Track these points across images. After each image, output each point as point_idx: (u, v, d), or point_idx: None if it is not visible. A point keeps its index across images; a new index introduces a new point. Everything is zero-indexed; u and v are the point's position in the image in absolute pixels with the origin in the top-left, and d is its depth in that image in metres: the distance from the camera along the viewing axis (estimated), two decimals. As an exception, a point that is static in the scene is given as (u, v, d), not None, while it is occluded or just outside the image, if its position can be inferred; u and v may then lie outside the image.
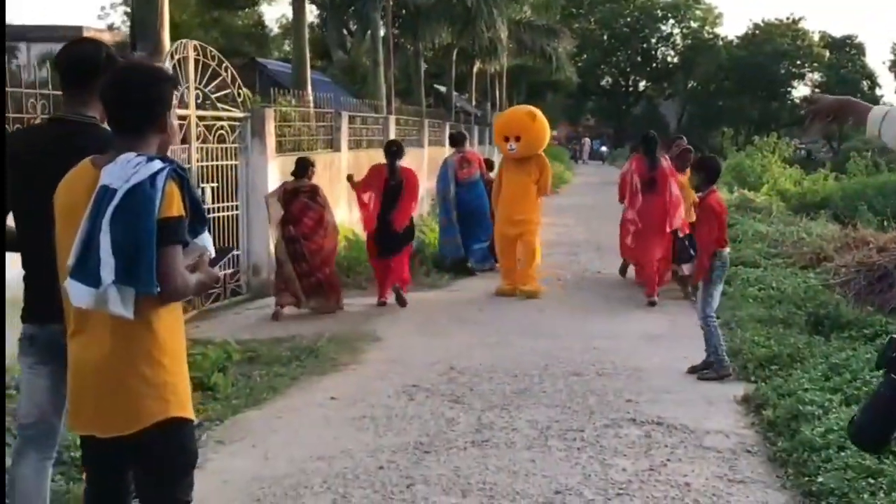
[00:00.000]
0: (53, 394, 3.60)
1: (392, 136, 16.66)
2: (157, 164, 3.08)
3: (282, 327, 9.50)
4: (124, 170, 3.07)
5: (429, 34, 26.66)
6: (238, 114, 11.14)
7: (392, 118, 16.86)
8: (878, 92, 78.98)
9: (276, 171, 11.55)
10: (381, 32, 22.05)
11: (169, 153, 3.34)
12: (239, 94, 11.19)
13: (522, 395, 6.92)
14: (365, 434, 6.01)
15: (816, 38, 77.29)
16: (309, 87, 16.15)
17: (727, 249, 7.71)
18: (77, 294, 3.09)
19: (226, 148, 10.93)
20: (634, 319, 9.84)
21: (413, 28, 27.00)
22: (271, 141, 11.48)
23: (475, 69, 37.12)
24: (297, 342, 8.59)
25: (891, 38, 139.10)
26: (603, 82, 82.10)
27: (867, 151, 41.10)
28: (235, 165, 11.18)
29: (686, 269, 8.33)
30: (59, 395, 3.49)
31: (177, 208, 3.08)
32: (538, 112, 11.99)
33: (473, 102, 39.02)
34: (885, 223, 19.21)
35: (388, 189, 10.56)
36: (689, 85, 79.67)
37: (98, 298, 3.05)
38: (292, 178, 10.28)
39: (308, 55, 16.20)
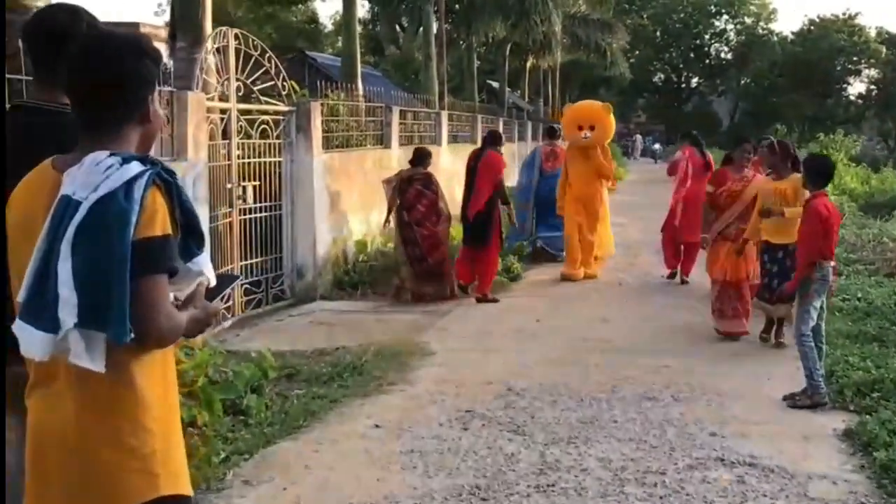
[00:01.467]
0: (21, 456, 2.79)
1: (444, 132, 15.84)
2: (135, 168, 2.26)
3: (326, 336, 8.72)
4: (91, 175, 2.25)
5: (482, 28, 25.71)
6: (282, 107, 10.34)
7: (444, 113, 16.00)
8: (936, 89, 76.54)
9: (321, 168, 10.75)
10: (434, 27, 21.15)
11: (153, 151, 2.50)
12: (284, 87, 10.39)
13: (591, 426, 6.00)
14: (412, 474, 5.14)
15: (873, 33, 75.00)
16: (359, 81, 15.34)
17: (832, 263, 6.69)
18: (28, 341, 2.28)
19: (269, 143, 10.14)
20: (707, 333, 8.84)
21: (466, 22, 26.07)
22: (317, 136, 10.68)
23: (528, 64, 36.11)
24: (340, 356, 7.77)
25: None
26: (655, 79, 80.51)
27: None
28: (279, 162, 10.39)
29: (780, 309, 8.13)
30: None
31: (161, 225, 2.26)
32: (611, 106, 12.88)
33: (526, 98, 38.00)
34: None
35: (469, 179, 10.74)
36: (743, 82, 77.81)
37: (57, 347, 2.25)
38: (409, 167, 10.77)
39: (358, 48, 15.39)
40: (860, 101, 77.77)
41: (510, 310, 10.10)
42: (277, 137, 10.32)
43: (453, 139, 16.91)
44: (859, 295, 9.49)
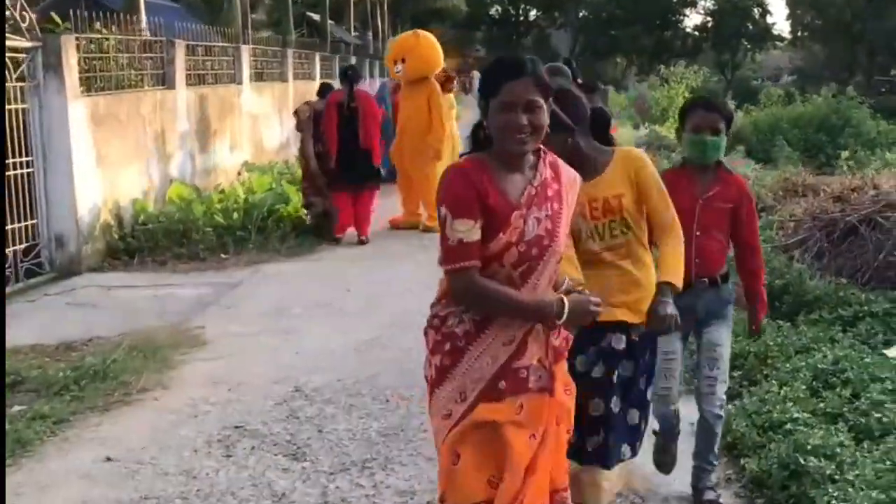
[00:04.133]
0: None
1: (246, 70, 14.29)
2: None
3: (83, 322, 7.26)
4: None
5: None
6: (23, 42, 8.64)
7: (246, 48, 14.36)
8: (769, 20, 79.08)
9: (81, 114, 9.12)
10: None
11: None
12: (24, 19, 8.68)
13: (394, 440, 4.85)
14: (138, 539, 3.88)
15: (708, -37, 76.58)
16: (142, 13, 13.50)
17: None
18: None
19: (11, 87, 8.45)
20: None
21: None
22: (73, 76, 9.00)
23: (353, -6, 34.42)
24: (87, 352, 6.36)
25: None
26: (492, 11, 79.91)
27: (757, 80, 40.32)
28: (24, 110, 8.72)
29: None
30: None
31: None
32: (425, 34, 11.80)
33: (352, 32, 36.32)
34: (804, 161, 17.81)
35: (344, 116, 10.23)
36: (581, 14, 78.21)
37: None
38: (317, 99, 10.91)
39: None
40: (697, 32, 79.58)
41: (316, 276, 8.85)
42: (20, 80, 8.64)
43: (258, 77, 15.36)
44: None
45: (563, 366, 2.96)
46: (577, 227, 3.40)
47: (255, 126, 14.62)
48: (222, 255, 9.70)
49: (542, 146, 2.86)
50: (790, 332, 6.25)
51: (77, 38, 9.32)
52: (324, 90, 11.03)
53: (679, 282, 3.41)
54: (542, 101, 2.72)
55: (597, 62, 67.09)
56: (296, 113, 10.98)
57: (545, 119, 2.74)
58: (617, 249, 3.53)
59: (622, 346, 3.52)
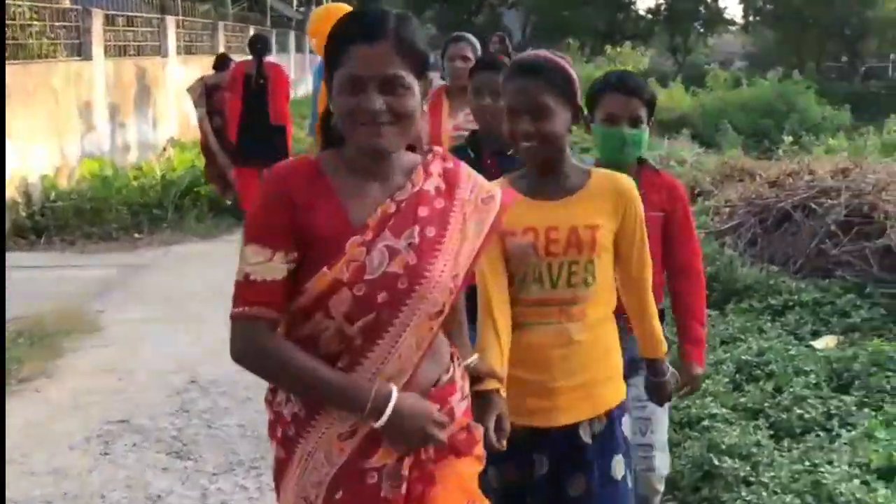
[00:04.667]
0: None
1: (172, 42, 13.83)
2: None
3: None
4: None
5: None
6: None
7: (172, 19, 13.89)
8: (721, 4, 79.64)
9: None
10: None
11: None
12: None
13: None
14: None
15: (662, -55, 76.78)
16: (63, -22, 12.97)
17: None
18: None
19: None
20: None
21: None
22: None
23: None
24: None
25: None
26: (444, -11, 79.42)
27: (709, 64, 40.42)
28: None
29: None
30: None
31: None
32: (339, 5, 10.24)
33: (295, 5, 35.71)
34: (749, 146, 17.77)
35: (252, 90, 8.99)
36: (533, -6, 78.02)
37: None
38: (212, 73, 10.39)
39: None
40: (650, 15, 79.85)
41: (230, 258, 8.46)
42: None
43: (187, 50, 14.89)
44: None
45: (460, 466, 2.06)
46: (519, 262, 2.48)
47: (183, 101, 14.16)
48: (136, 235, 9.34)
49: (436, 147, 2.09)
50: (717, 321, 6.07)
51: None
52: (221, 63, 10.41)
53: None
54: (408, 76, 1.91)
55: (548, 43, 66.92)
56: (189, 90, 10.51)
57: (413, 104, 1.92)
58: (571, 305, 2.50)
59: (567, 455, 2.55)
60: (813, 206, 7.44)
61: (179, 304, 6.96)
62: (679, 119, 20.36)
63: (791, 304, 6.20)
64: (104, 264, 8.25)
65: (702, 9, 77.05)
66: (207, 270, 7.98)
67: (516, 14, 78.96)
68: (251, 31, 19.40)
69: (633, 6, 78.30)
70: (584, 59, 33.11)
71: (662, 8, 78.04)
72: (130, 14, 12.72)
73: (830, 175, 8.06)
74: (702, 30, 79.87)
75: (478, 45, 5.58)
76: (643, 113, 3.07)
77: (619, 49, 27.54)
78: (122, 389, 5.20)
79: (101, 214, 9.43)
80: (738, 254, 7.25)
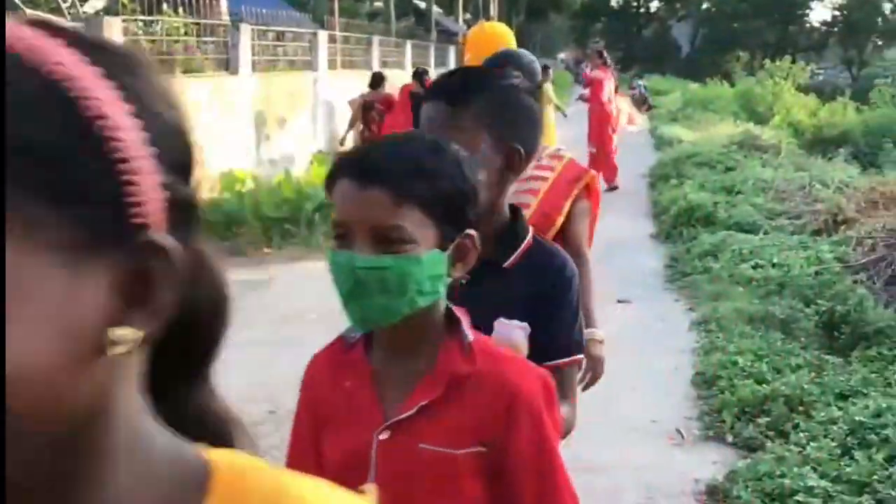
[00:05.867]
0: None
1: (323, 56, 13.83)
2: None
3: None
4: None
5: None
6: (63, 21, 8.31)
7: (323, 34, 13.89)
8: (901, 15, 75.34)
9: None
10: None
11: None
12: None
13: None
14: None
15: (838, -44, 73.33)
16: (223, -2, 13.10)
17: None
18: None
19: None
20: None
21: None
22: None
23: (462, -18, 33.72)
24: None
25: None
26: (613, 2, 78.30)
27: (885, 77, 37.94)
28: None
29: None
30: None
31: None
32: (491, 24, 10.99)
33: (461, 22, 35.65)
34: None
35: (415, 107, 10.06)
36: (704, 6, 75.87)
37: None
38: (369, 91, 11.38)
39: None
40: (823, 27, 76.29)
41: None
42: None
43: (342, 64, 14.89)
44: (775, 260, 7.77)
45: None
46: None
47: (333, 115, 14.16)
48: (265, 250, 9.24)
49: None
50: (839, 369, 5.39)
51: (124, 21, 8.98)
52: (376, 81, 11.23)
53: None
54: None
55: (718, 55, 64.81)
56: (350, 102, 11.22)
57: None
58: None
59: None
60: (963, 243, 6.59)
61: (283, 325, 6.75)
62: (840, 136, 19.06)
63: (924, 354, 5.45)
64: (229, 280, 8.15)
65: (879, 20, 73.04)
66: (325, 290, 7.75)
67: (685, 26, 76.94)
68: (409, 47, 19.37)
69: (806, 18, 75.03)
70: (745, 72, 31.63)
71: (838, 19, 74.43)
72: (280, 29, 12.75)
73: None
74: (879, 42, 75.74)
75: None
76: (412, 221, 1.42)
77: (777, 62, 26.05)
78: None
79: (234, 228, 9.38)
80: (873, 293, 6.47)
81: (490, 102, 1.83)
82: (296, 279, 8.22)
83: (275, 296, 7.64)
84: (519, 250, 1.87)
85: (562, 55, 76.20)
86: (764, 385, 5.06)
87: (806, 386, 4.94)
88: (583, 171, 2.91)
